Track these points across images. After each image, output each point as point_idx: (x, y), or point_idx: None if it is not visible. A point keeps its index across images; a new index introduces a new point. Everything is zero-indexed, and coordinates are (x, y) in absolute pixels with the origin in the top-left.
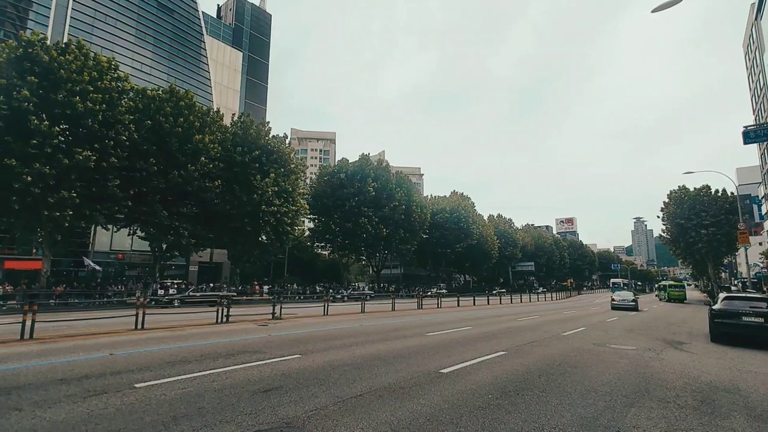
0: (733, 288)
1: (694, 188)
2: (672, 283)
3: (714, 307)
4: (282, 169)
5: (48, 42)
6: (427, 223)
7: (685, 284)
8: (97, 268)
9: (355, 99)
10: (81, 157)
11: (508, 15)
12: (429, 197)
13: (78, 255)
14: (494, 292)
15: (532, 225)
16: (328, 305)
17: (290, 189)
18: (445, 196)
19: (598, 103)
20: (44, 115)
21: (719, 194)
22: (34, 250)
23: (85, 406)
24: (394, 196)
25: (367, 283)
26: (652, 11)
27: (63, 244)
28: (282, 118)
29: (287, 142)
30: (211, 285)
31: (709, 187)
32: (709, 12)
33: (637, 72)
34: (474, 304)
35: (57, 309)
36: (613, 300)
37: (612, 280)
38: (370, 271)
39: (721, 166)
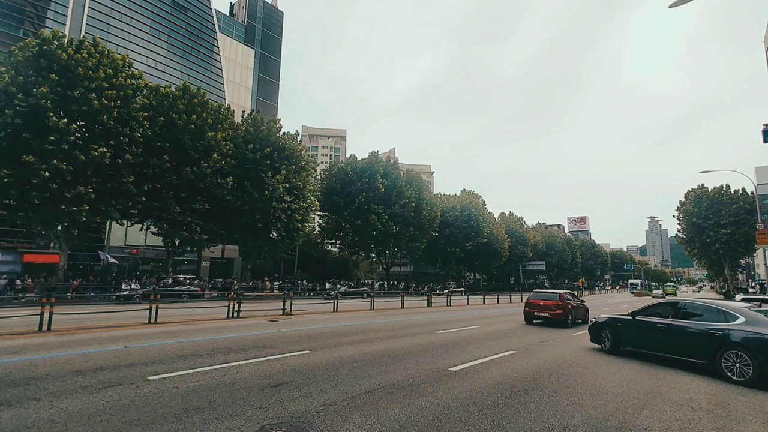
0: (750, 290)
1: (714, 187)
2: (668, 284)
3: None
4: (293, 166)
5: (65, 40)
6: (437, 221)
7: (676, 285)
8: (114, 261)
9: (366, 97)
10: (97, 154)
11: (516, 13)
12: (439, 195)
13: (94, 250)
14: (445, 291)
15: (544, 224)
16: (337, 302)
17: (301, 186)
18: (455, 194)
19: (610, 102)
20: (61, 112)
21: (739, 194)
22: (52, 244)
23: (100, 397)
24: (404, 193)
25: (376, 281)
26: (670, 6)
27: (79, 239)
28: (293, 116)
29: (298, 139)
30: (221, 280)
31: (728, 187)
32: (727, 6)
33: (651, 70)
34: (484, 303)
35: (74, 302)
36: (653, 296)
37: (630, 281)
38: (380, 269)
39: (743, 165)
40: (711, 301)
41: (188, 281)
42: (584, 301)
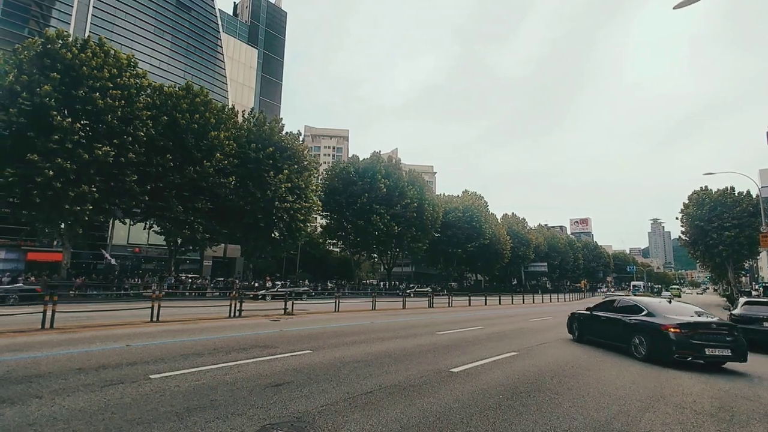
0: (753, 293)
1: (717, 189)
2: (673, 286)
3: (734, 312)
4: (295, 166)
5: (70, 39)
6: (439, 221)
7: (680, 287)
8: (113, 262)
9: (368, 98)
10: (100, 153)
11: (519, 13)
12: (441, 196)
13: (97, 248)
14: (408, 291)
15: (546, 225)
16: (339, 302)
17: (303, 186)
18: (457, 195)
19: (612, 103)
20: (66, 111)
21: (742, 196)
22: (55, 243)
23: (102, 396)
24: (406, 194)
25: (378, 281)
26: (674, 7)
27: (83, 237)
28: (295, 116)
29: (300, 139)
30: (223, 279)
31: (733, 189)
32: (731, 6)
33: (654, 70)
34: (485, 304)
35: (76, 300)
36: (662, 295)
37: (633, 283)
38: (381, 269)
39: (747, 166)
40: (633, 297)
41: (190, 280)
42: None
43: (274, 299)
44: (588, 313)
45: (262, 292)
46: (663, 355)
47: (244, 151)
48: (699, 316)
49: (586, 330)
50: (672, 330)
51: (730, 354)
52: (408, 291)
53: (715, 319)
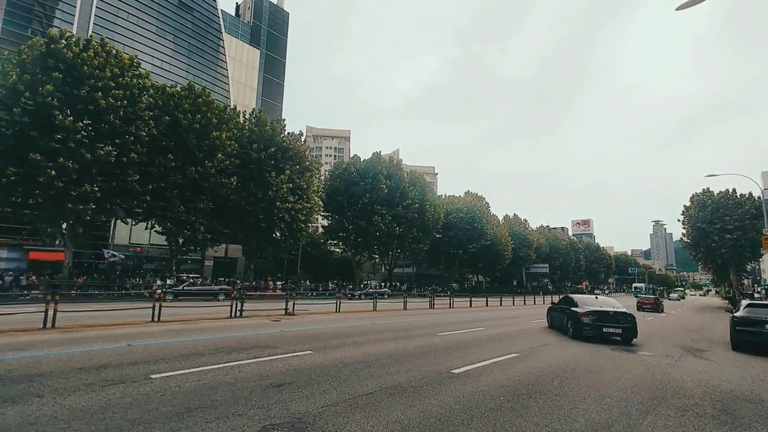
0: (756, 295)
1: (719, 191)
2: (677, 288)
3: (736, 315)
4: (297, 167)
5: (73, 39)
6: (440, 222)
7: (683, 290)
8: (120, 257)
9: (369, 98)
10: (102, 152)
11: (521, 14)
12: (443, 197)
13: (98, 248)
14: (358, 293)
15: (548, 226)
16: (340, 302)
17: (305, 186)
18: (459, 196)
19: (613, 104)
20: (68, 111)
21: (745, 198)
22: (57, 242)
23: (103, 395)
24: (407, 194)
25: (379, 282)
26: (677, 9)
27: (84, 237)
28: (297, 116)
29: (302, 139)
30: (224, 280)
31: (735, 191)
32: (734, 6)
33: (657, 71)
34: (487, 305)
35: (78, 300)
36: (670, 296)
37: (634, 285)
38: (383, 270)
39: (750, 166)
40: (574, 295)
41: (191, 280)
42: (662, 300)
43: (180, 297)
44: (553, 306)
45: (159, 291)
46: (578, 333)
47: (245, 151)
48: (607, 307)
49: (552, 319)
50: (584, 316)
51: (620, 332)
52: (357, 293)
53: (615, 309)
